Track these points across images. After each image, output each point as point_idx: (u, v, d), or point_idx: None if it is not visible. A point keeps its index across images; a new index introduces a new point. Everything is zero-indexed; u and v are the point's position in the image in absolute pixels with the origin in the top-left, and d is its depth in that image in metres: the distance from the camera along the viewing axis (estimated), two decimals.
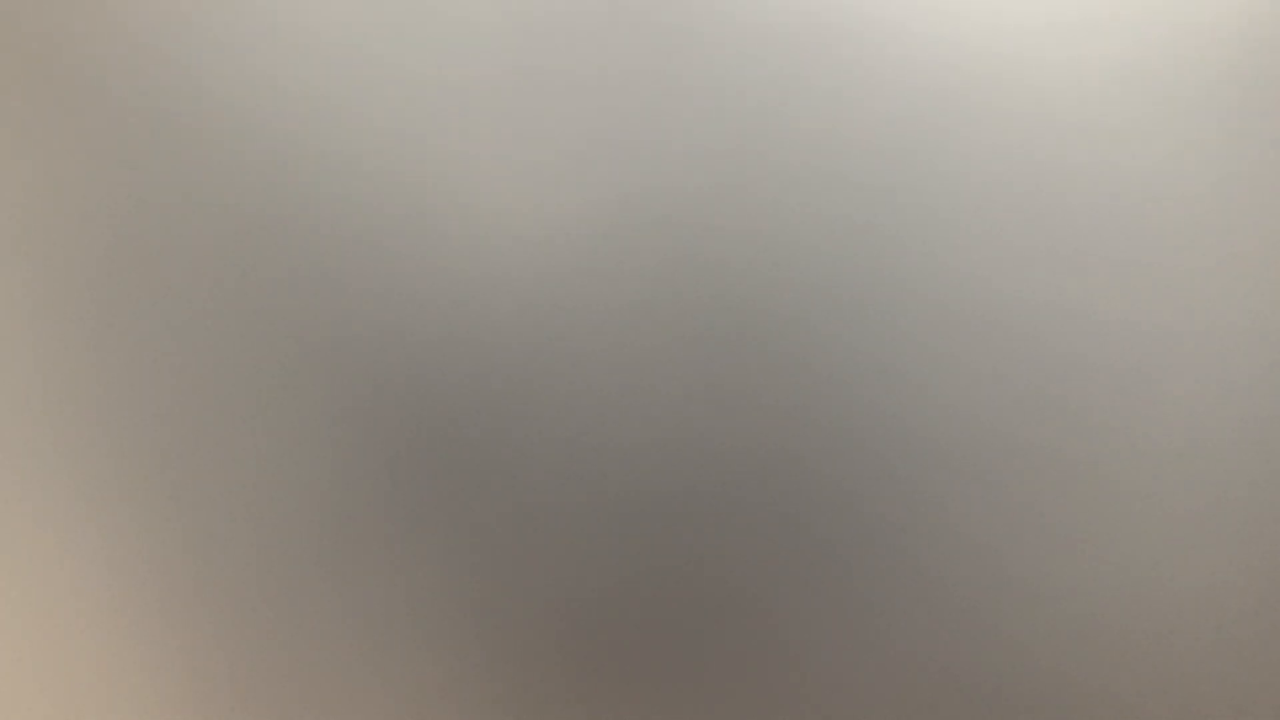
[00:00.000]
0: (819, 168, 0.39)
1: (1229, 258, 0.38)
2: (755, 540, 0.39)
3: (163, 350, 0.39)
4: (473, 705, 0.39)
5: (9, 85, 0.40)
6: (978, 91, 0.38)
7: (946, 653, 0.39)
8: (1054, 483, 0.38)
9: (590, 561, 0.39)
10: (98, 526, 0.40)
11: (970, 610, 0.38)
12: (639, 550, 0.39)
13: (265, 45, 0.39)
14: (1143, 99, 0.38)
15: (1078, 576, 0.38)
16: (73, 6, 0.40)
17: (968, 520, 0.38)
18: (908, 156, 0.38)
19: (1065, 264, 0.38)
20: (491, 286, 0.39)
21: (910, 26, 0.38)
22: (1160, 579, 0.38)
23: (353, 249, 0.39)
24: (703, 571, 0.39)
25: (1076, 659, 0.38)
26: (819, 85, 0.39)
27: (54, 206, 0.40)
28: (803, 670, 0.39)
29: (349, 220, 0.39)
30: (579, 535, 0.39)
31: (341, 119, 0.39)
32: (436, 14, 0.39)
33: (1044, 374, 0.38)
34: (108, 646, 0.40)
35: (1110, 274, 0.38)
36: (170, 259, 0.39)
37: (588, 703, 0.39)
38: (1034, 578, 0.38)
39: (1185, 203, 0.38)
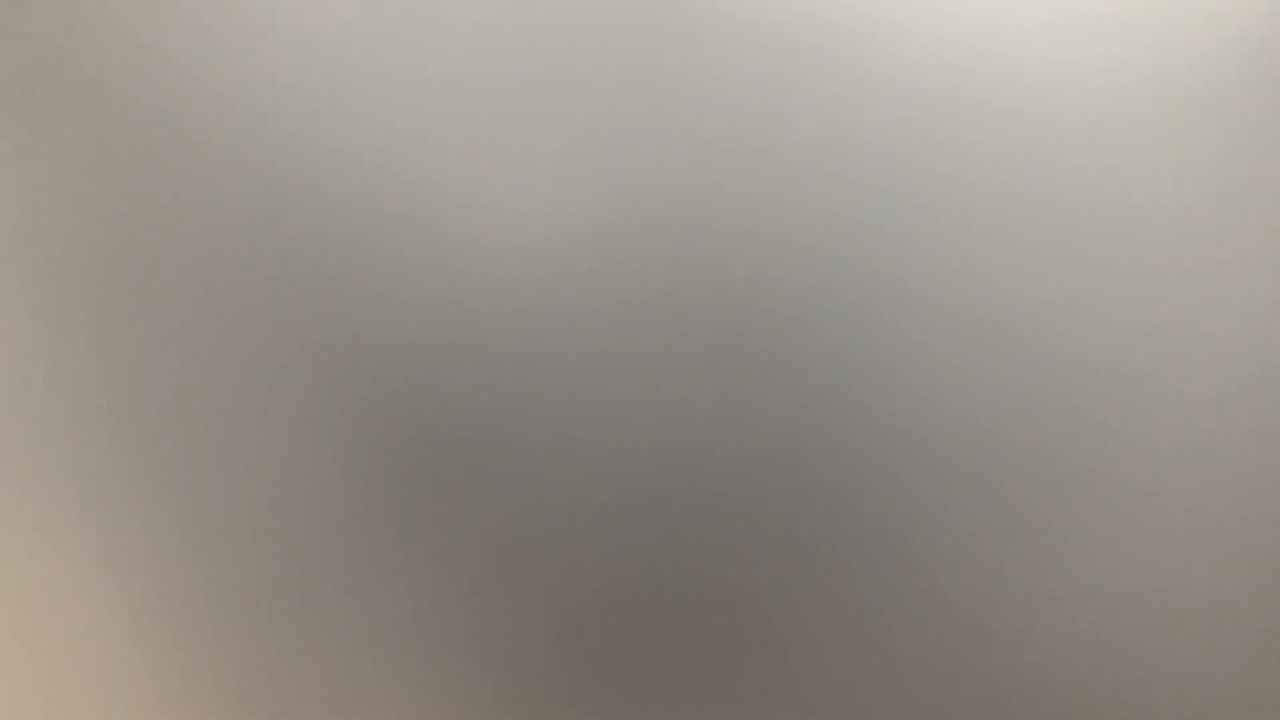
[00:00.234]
0: (819, 168, 0.38)
1: (1229, 258, 0.38)
2: (755, 541, 0.39)
3: (161, 350, 0.39)
4: (472, 705, 0.39)
5: (8, 85, 0.40)
6: (978, 92, 0.38)
7: (946, 653, 0.39)
8: (1054, 483, 0.38)
9: (590, 562, 0.39)
10: (97, 526, 0.40)
11: (969, 610, 0.38)
12: (639, 550, 0.39)
13: (264, 45, 0.39)
14: (1143, 99, 0.38)
15: (1077, 577, 0.38)
16: (72, 6, 0.40)
17: (967, 520, 0.38)
18: (908, 157, 0.38)
19: (1065, 264, 0.38)
20: (491, 287, 0.39)
21: (910, 26, 0.38)
22: (1160, 579, 0.38)
23: (352, 249, 0.39)
24: (702, 572, 0.39)
25: (1076, 659, 0.38)
26: (819, 85, 0.39)
27: (52, 206, 0.40)
28: (802, 670, 0.39)
29: (348, 220, 0.39)
30: (579, 536, 0.39)
31: (340, 118, 0.39)
32: (436, 14, 0.39)
33: (1044, 374, 0.38)
34: (106, 647, 0.40)
35: (1110, 274, 0.38)
36: (169, 258, 0.39)
37: (587, 703, 0.39)
38: (1033, 578, 0.38)
39: (1185, 203, 0.38)
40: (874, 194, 0.38)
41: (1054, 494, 0.38)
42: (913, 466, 0.38)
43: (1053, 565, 0.38)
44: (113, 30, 0.40)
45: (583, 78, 0.39)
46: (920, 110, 0.38)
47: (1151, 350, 0.38)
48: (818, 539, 0.39)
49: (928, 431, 0.38)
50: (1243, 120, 0.38)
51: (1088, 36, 0.38)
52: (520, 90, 0.39)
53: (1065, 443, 0.38)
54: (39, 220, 0.40)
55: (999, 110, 0.38)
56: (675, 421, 0.39)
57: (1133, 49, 0.38)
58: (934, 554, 0.38)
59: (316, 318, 0.39)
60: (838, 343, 0.38)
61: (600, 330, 0.39)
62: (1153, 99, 0.38)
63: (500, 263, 0.39)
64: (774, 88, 0.39)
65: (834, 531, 0.38)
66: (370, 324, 0.39)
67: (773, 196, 0.39)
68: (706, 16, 0.39)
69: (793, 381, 0.38)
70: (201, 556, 0.40)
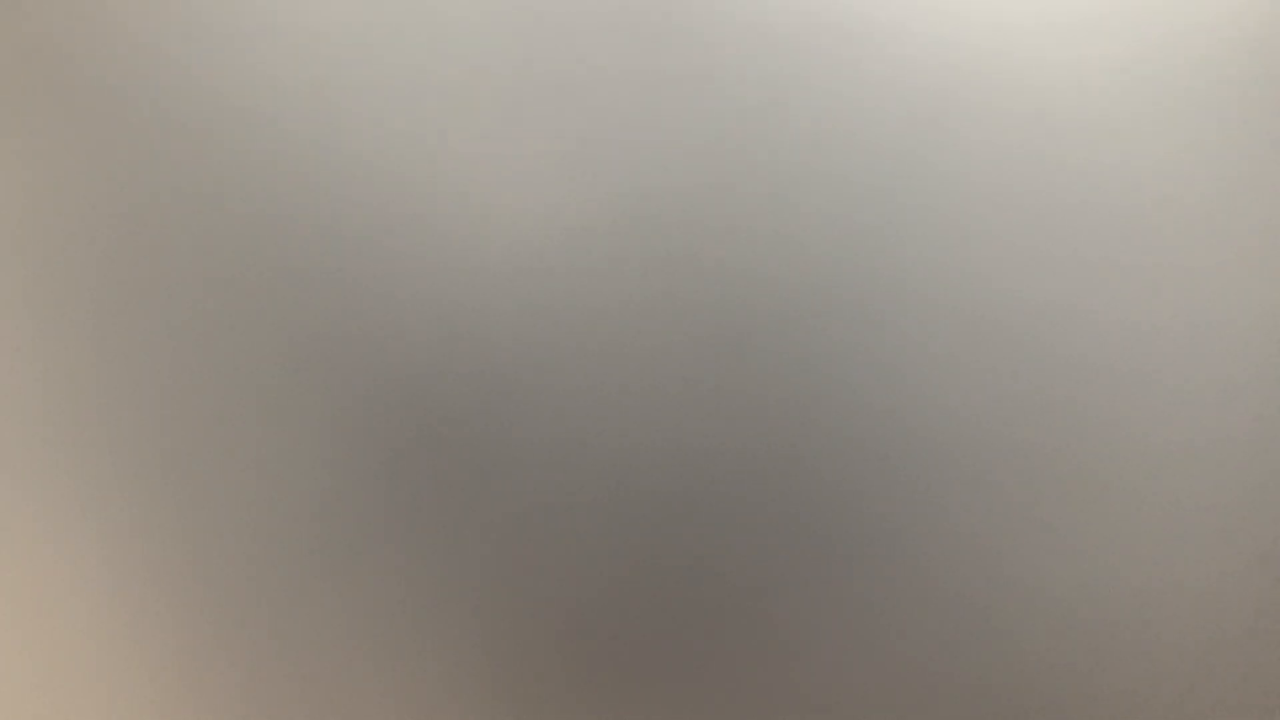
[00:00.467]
0: (820, 167, 0.38)
1: (1229, 258, 0.38)
2: (755, 540, 0.39)
3: (160, 348, 0.39)
4: (473, 705, 0.39)
5: (8, 85, 0.40)
6: (978, 91, 0.38)
7: (947, 652, 0.39)
8: (1054, 482, 0.38)
9: (590, 561, 0.39)
10: (96, 525, 0.39)
11: (970, 610, 0.38)
12: (639, 549, 0.39)
13: (264, 44, 0.39)
14: (1143, 99, 0.38)
15: (1078, 575, 0.38)
16: (72, 6, 0.40)
17: (967, 520, 0.38)
18: (908, 156, 0.38)
19: (1065, 264, 0.38)
20: (491, 285, 0.39)
21: (910, 26, 0.38)
22: (1159, 578, 0.38)
23: (351, 248, 0.39)
24: (703, 571, 0.39)
25: (1076, 659, 0.38)
26: (818, 85, 0.39)
27: (51, 206, 0.40)
28: (802, 669, 0.39)
29: (348, 219, 0.39)
30: (578, 535, 0.39)
31: (339, 118, 0.39)
32: (434, 13, 0.39)
33: (1044, 374, 0.38)
34: (105, 646, 0.40)
35: (1109, 274, 0.38)
36: (168, 257, 0.39)
37: (587, 703, 0.39)
38: (1034, 577, 0.38)
39: (1185, 203, 0.38)
40: (874, 193, 0.38)
41: (1054, 493, 0.38)
42: (913, 465, 0.38)
43: (1053, 564, 0.38)
44: (113, 30, 0.40)
45: (583, 77, 0.39)
46: (920, 110, 0.38)
47: (1151, 350, 0.38)
48: (818, 538, 0.38)
49: (927, 430, 0.38)
50: (1242, 120, 0.38)
51: (1088, 36, 0.38)
52: (520, 89, 0.39)
53: (1065, 442, 0.38)
54: (38, 220, 0.40)
55: (999, 110, 0.38)
56: (675, 420, 0.39)
57: (1132, 49, 0.38)
58: (934, 552, 0.38)
59: (316, 316, 0.39)
60: (838, 342, 0.38)
61: (600, 329, 0.39)
62: (1153, 99, 0.38)
63: (500, 261, 0.39)
64: (774, 87, 0.39)
65: (834, 530, 0.38)
66: (369, 323, 0.39)
67: (773, 196, 0.38)
68: (706, 16, 0.39)
69: (793, 381, 0.38)
70: (201, 555, 0.39)
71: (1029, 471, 0.38)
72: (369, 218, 0.39)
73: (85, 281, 0.40)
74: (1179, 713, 0.38)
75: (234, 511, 0.39)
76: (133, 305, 0.39)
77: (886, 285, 0.38)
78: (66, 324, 0.40)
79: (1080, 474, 0.38)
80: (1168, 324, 0.38)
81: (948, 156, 0.38)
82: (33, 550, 0.40)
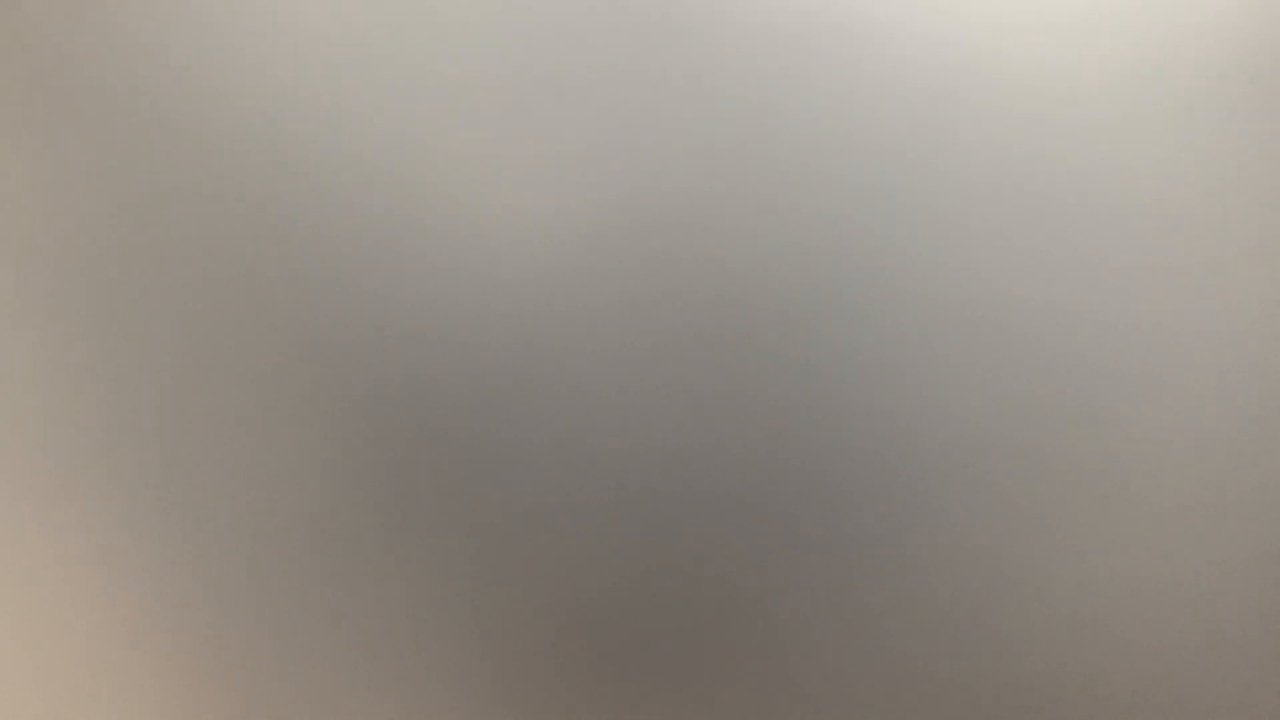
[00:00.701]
0: (817, 167, 0.38)
1: (1228, 257, 0.38)
2: (754, 540, 0.39)
3: (158, 349, 0.39)
4: (472, 704, 0.39)
5: (6, 84, 0.40)
6: (977, 91, 0.38)
7: (945, 653, 0.39)
8: (1053, 483, 0.38)
9: (589, 562, 0.39)
10: (94, 526, 0.39)
11: (968, 610, 0.38)
12: (638, 550, 0.39)
13: (262, 44, 0.39)
14: (1141, 99, 0.38)
15: (1076, 576, 0.38)
16: (72, 5, 0.40)
17: (965, 520, 0.38)
18: (906, 157, 0.38)
19: (1063, 263, 0.38)
20: (489, 286, 0.39)
21: (910, 26, 0.38)
22: (1159, 579, 0.38)
23: (350, 249, 0.39)
24: (702, 571, 0.39)
25: (1075, 659, 0.38)
26: (817, 85, 0.38)
27: (49, 205, 0.40)
28: (801, 669, 0.39)
29: (345, 219, 0.39)
30: (577, 535, 0.39)
31: (338, 118, 0.39)
32: (433, 13, 0.39)
33: (1042, 374, 0.38)
34: (102, 646, 0.40)
35: (1108, 274, 0.38)
36: (165, 258, 0.39)
37: (585, 703, 0.39)
38: (1032, 577, 0.38)
39: (1185, 202, 0.38)
40: (873, 194, 0.38)
41: (1053, 494, 0.38)
42: (911, 466, 0.38)
43: (1052, 564, 0.38)
44: (112, 30, 0.40)
45: (581, 78, 0.39)
46: (919, 110, 0.38)
47: (1150, 349, 0.38)
48: (817, 538, 0.38)
49: (926, 431, 0.38)
50: (1240, 120, 0.38)
51: (1086, 36, 0.38)
52: (519, 90, 0.39)
53: (1064, 442, 0.38)
54: (35, 220, 0.40)
55: (998, 110, 0.38)
56: (674, 421, 0.39)
57: (1131, 48, 0.38)
58: (932, 553, 0.38)
59: (314, 317, 0.39)
60: (837, 343, 0.38)
61: (599, 330, 0.39)
62: (1151, 99, 0.38)
63: (499, 262, 0.39)
64: (772, 88, 0.38)
65: (833, 530, 0.38)
66: (368, 323, 0.39)
67: (771, 196, 0.38)
68: (705, 17, 0.39)
69: (791, 381, 0.38)
70: (200, 557, 0.39)
71: (1028, 472, 0.38)
72: (368, 219, 0.39)
73: (82, 282, 0.40)
74: (1179, 713, 0.38)
75: (232, 512, 0.39)
76: (130, 306, 0.39)
77: (885, 286, 0.38)
78: (64, 324, 0.40)
79: (1079, 474, 0.38)
80: (1166, 324, 0.38)
81: (947, 157, 0.38)
82: (30, 552, 0.39)
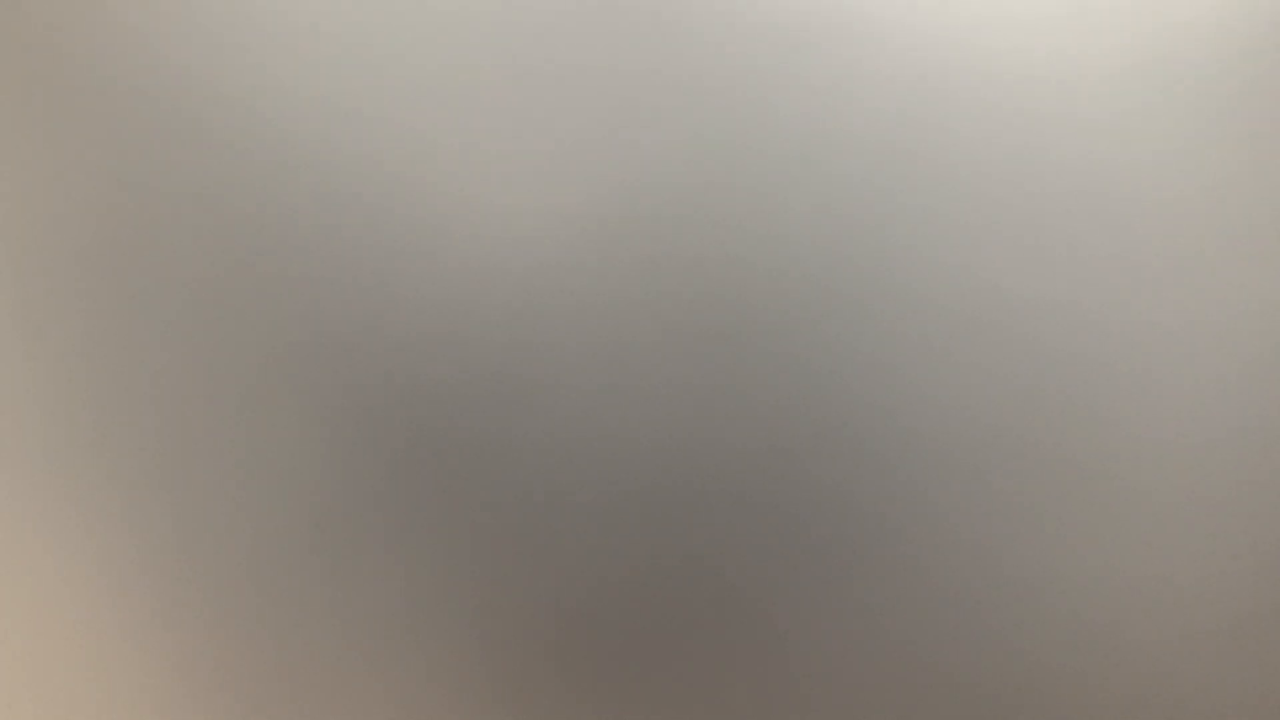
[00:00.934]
0: (813, 163, 0.38)
1: (1227, 253, 0.38)
2: (750, 537, 0.39)
3: (155, 347, 0.39)
4: (468, 702, 0.39)
5: (6, 81, 0.40)
6: (972, 86, 0.38)
7: (942, 649, 0.38)
8: (1050, 479, 0.38)
9: (586, 559, 0.39)
10: (91, 523, 0.39)
11: (965, 606, 0.38)
12: (634, 547, 0.39)
13: (260, 39, 0.39)
14: (1136, 92, 0.38)
15: (1075, 574, 0.38)
16: (71, 4, 0.40)
17: (963, 516, 0.38)
18: (900, 152, 0.38)
19: (1059, 258, 0.38)
20: (485, 281, 0.39)
21: (903, 20, 0.38)
22: (1157, 576, 0.38)
23: (345, 245, 0.39)
24: (698, 568, 0.39)
25: (1073, 656, 0.38)
26: (813, 81, 0.38)
27: (44, 203, 0.40)
28: (799, 666, 0.39)
29: (341, 215, 0.39)
30: (574, 533, 0.39)
31: (334, 113, 0.39)
32: (430, 8, 0.39)
33: (1039, 369, 0.38)
34: (99, 645, 0.40)
35: (1105, 269, 0.38)
36: (161, 256, 0.39)
37: (582, 699, 0.39)
38: (1030, 573, 0.38)
39: (1180, 196, 0.38)
40: (867, 189, 0.38)
41: (1052, 490, 0.38)
42: (908, 462, 0.38)
43: (1050, 559, 0.38)
44: (106, 25, 0.40)
45: (576, 72, 0.39)
46: (913, 106, 0.38)
47: (1145, 344, 0.38)
48: (814, 535, 0.38)
49: (923, 427, 0.38)
50: (1236, 113, 0.38)
51: (1082, 31, 0.38)
52: (515, 86, 0.39)
53: (1063, 439, 0.38)
54: (31, 219, 0.40)
55: (993, 106, 0.38)
56: (672, 418, 0.39)
57: (1125, 42, 0.38)
58: (930, 550, 0.38)
59: (310, 314, 0.39)
60: (833, 338, 0.38)
61: (597, 326, 0.39)
62: (1146, 92, 0.38)
63: (495, 258, 0.39)
64: (768, 84, 0.38)
65: (831, 527, 0.38)
66: (364, 320, 0.39)
67: (768, 192, 0.38)
68: (698, 11, 0.39)
69: (789, 377, 0.38)
70: (196, 556, 0.39)
71: (1025, 468, 0.38)
72: (363, 216, 0.39)
73: (79, 281, 0.40)
74: (1177, 710, 0.38)
75: (229, 511, 0.39)
76: (124, 302, 0.40)
77: (883, 281, 0.38)
78: (61, 323, 0.40)
79: (1078, 471, 0.38)
80: (1163, 320, 0.38)
81: (943, 153, 0.38)
82: (26, 551, 0.40)
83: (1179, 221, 0.38)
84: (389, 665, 0.39)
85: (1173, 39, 0.38)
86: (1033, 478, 0.38)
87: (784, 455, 0.38)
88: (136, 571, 0.40)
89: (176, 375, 0.39)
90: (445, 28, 0.39)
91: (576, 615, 0.39)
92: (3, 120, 0.40)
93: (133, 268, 0.40)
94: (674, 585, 0.39)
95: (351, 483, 0.39)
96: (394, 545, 0.39)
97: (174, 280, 0.39)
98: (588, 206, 0.39)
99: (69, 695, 0.40)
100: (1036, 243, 0.38)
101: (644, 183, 0.39)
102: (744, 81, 0.39)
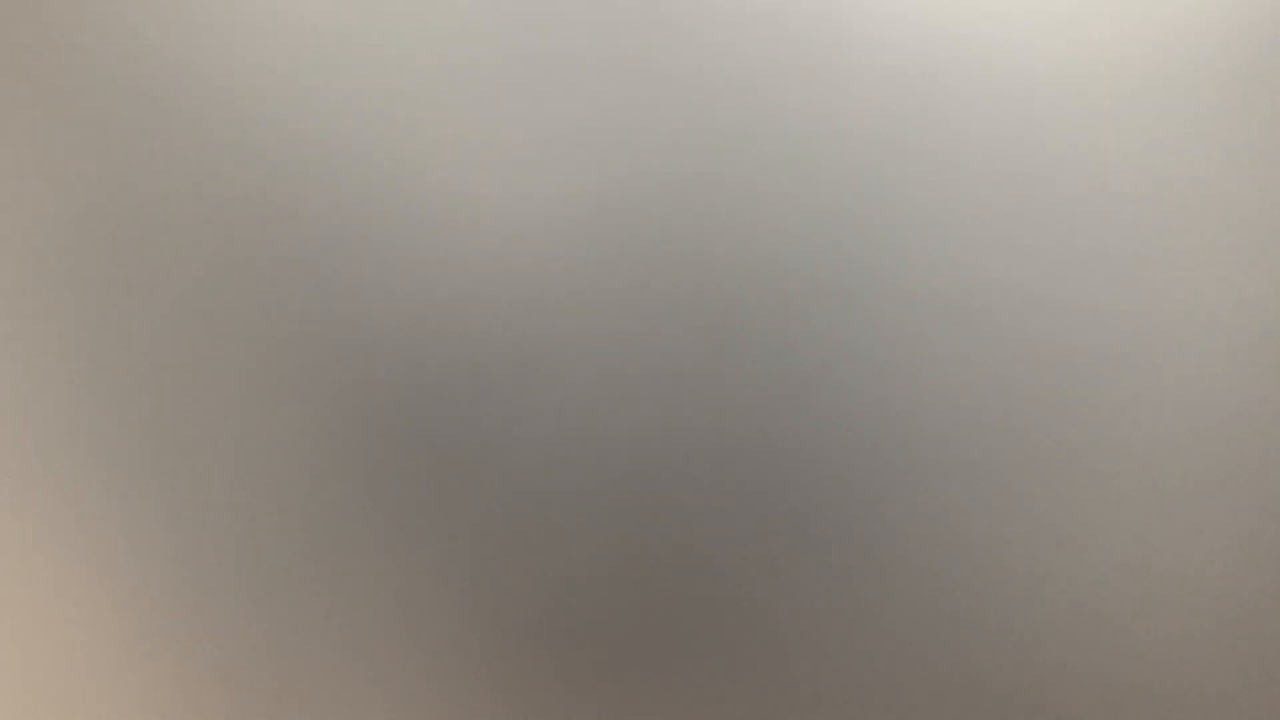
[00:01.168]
0: (808, 154, 0.38)
1: (1220, 245, 0.38)
2: (745, 531, 0.39)
3: (144, 342, 0.39)
4: (464, 697, 0.39)
5: (7, 82, 0.40)
6: (966, 78, 0.38)
7: (938, 643, 0.38)
8: (1047, 473, 0.38)
9: (579, 552, 0.39)
10: (80, 520, 0.39)
11: (962, 599, 0.38)
12: (628, 541, 0.39)
13: (252, 31, 0.39)
14: (1130, 84, 0.38)
15: (1071, 567, 0.38)
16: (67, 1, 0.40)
17: (960, 509, 0.38)
18: (894, 143, 0.38)
19: (1053, 250, 0.38)
20: (476, 275, 0.39)
21: (898, 11, 0.38)
22: (1154, 570, 0.38)
23: (338, 238, 0.39)
24: (693, 561, 0.39)
25: (1070, 651, 0.38)
26: (805, 72, 0.38)
27: (35, 199, 0.40)
28: (794, 660, 0.39)
29: (332, 209, 0.39)
30: (567, 526, 0.39)
31: (324, 108, 0.39)
32: (423, 1, 0.39)
33: (1032, 360, 0.38)
34: (90, 642, 0.40)
35: (1101, 262, 0.38)
36: (151, 251, 0.39)
37: (578, 692, 0.39)
38: (1024, 564, 0.38)
39: (1173, 188, 0.38)
40: (861, 181, 0.38)
41: (1047, 484, 0.38)
42: (904, 454, 0.38)
43: (1045, 555, 0.38)
44: (96, 18, 0.40)
45: (568, 65, 0.39)
46: (908, 97, 0.38)
47: (1143, 339, 0.38)
48: (808, 528, 0.38)
49: (918, 421, 0.38)
50: (1230, 105, 0.38)
51: (1075, 21, 0.38)
52: (509, 77, 0.39)
53: (1059, 430, 0.38)
54: (25, 216, 0.40)
55: (987, 96, 0.38)
56: (667, 410, 0.39)
57: (1120, 33, 0.38)
58: (925, 544, 0.38)
59: (302, 308, 0.39)
60: (827, 331, 0.38)
61: (590, 318, 0.39)
62: (1140, 84, 0.38)
63: (488, 250, 0.39)
64: (760, 74, 0.38)
65: (826, 520, 0.38)
66: (356, 313, 0.39)
67: (762, 183, 0.38)
68: (694, 2, 0.39)
69: (783, 370, 0.38)
70: (186, 550, 0.39)
71: (1021, 461, 0.38)
72: (355, 210, 0.39)
73: (68, 276, 0.40)
74: (1175, 705, 0.38)
75: (219, 506, 0.39)
76: (120, 299, 0.39)
77: (878, 273, 0.38)
78: (51, 320, 0.40)
79: (1074, 463, 0.38)
80: (1156, 309, 0.38)
81: (937, 144, 0.38)
82: (16, 547, 0.39)
83: (1175, 211, 0.38)
84: (384, 660, 0.39)
85: (1167, 28, 0.38)
86: (1029, 470, 0.38)
87: (780, 448, 0.38)
88: (129, 568, 0.40)
89: (170, 370, 0.39)
90: (438, 19, 0.39)
91: (572, 608, 0.39)
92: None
93: (125, 263, 0.40)
94: (671, 579, 0.39)
95: (342, 477, 0.39)
96: (385, 539, 0.39)
97: (166, 274, 0.39)
98: (582, 198, 0.39)
99: (60, 691, 0.40)
100: (1032, 235, 0.38)
101: (639, 175, 0.39)
102: (739, 73, 0.39)
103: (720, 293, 0.39)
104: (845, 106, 0.38)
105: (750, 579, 0.39)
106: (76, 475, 0.40)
